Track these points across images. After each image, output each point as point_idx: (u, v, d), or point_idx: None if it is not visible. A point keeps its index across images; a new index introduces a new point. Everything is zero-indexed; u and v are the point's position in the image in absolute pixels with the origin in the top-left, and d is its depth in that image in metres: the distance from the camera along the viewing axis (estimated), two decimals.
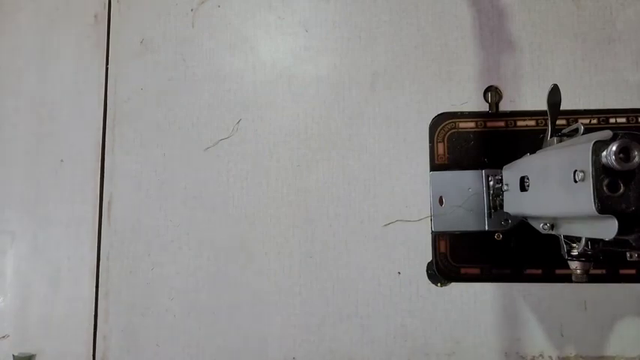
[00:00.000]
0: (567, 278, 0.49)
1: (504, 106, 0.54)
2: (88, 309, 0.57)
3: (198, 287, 0.56)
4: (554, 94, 0.43)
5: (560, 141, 0.42)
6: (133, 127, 0.59)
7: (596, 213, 0.31)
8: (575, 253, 0.40)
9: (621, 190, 0.31)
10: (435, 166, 0.54)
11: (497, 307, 0.52)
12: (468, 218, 0.52)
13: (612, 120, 0.52)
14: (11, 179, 0.60)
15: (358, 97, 0.57)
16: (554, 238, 0.44)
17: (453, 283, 0.52)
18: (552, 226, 0.41)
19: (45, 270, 0.58)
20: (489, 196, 0.52)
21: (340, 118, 0.57)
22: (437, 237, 0.53)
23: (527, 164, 0.44)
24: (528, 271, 0.51)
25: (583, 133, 0.39)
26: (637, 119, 0.52)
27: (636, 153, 0.30)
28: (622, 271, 0.50)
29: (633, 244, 0.32)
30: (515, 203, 0.46)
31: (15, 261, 0.59)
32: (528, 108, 0.54)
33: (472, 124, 0.54)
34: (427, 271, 0.53)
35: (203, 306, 0.55)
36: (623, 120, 0.52)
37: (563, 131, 0.42)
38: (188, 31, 0.60)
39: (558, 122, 0.51)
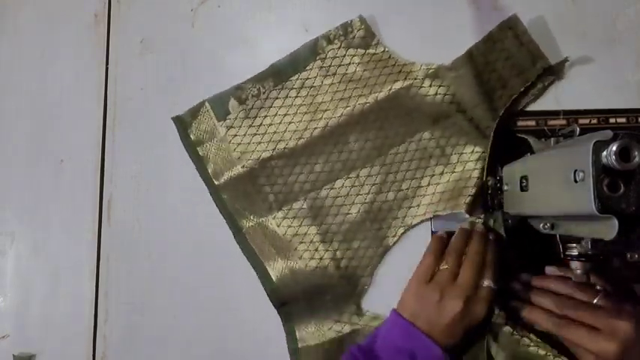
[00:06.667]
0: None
1: None
2: (88, 309, 0.57)
3: (198, 287, 0.56)
4: None
5: (557, 142, 0.42)
6: (133, 127, 0.59)
7: (596, 213, 0.31)
8: (575, 252, 0.40)
9: (621, 190, 0.31)
10: None
11: None
12: (467, 218, 0.52)
13: (612, 120, 0.52)
14: (11, 179, 0.60)
15: None
16: (555, 238, 0.44)
17: None
18: (552, 226, 0.41)
19: (45, 270, 0.58)
20: (489, 196, 0.52)
21: None
22: None
23: (527, 164, 0.44)
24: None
25: (580, 134, 0.40)
26: (637, 119, 0.52)
27: (636, 153, 0.30)
28: None
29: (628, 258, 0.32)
30: (515, 203, 0.46)
31: (15, 261, 0.59)
32: (528, 108, 0.54)
33: None
34: None
35: (203, 306, 0.55)
36: (623, 120, 0.52)
37: (561, 132, 0.43)
38: (188, 31, 0.60)
39: (558, 122, 0.51)
